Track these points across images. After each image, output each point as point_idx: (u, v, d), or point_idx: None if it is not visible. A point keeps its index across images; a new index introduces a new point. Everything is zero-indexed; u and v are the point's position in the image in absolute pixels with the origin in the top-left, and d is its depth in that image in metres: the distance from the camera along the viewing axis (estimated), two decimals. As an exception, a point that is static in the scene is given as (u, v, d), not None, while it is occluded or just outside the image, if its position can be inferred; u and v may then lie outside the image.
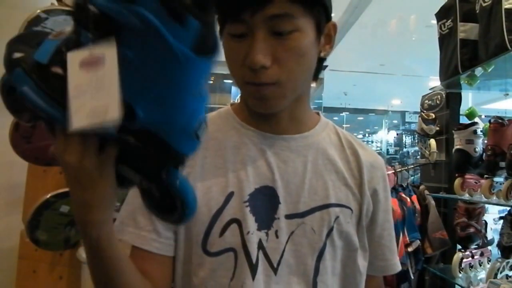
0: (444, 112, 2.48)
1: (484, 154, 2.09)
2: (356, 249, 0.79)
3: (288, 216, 0.75)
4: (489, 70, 1.91)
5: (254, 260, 0.72)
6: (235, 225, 0.73)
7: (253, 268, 0.72)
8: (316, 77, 0.79)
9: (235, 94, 5.48)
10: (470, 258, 2.23)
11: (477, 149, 2.16)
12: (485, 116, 2.64)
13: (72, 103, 0.44)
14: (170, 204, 0.55)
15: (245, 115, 0.81)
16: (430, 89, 2.68)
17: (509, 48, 1.62)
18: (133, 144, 0.49)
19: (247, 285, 0.71)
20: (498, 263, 2.03)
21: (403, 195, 2.41)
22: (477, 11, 1.86)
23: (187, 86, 0.46)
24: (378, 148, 12.35)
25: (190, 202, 0.55)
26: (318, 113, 0.86)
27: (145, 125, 0.47)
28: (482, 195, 2.13)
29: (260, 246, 0.73)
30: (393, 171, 2.56)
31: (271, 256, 0.73)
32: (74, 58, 0.45)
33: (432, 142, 2.49)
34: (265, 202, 0.75)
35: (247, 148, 0.78)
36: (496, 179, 2.09)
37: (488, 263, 2.28)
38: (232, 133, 0.80)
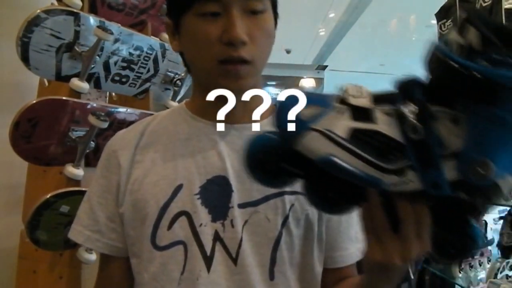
0: (444, 112, 2.47)
1: (484, 154, 2.09)
2: (313, 238, 0.77)
3: (241, 205, 0.74)
4: (489, 70, 1.91)
5: (208, 252, 0.72)
6: (184, 218, 0.73)
7: (208, 260, 0.72)
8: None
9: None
10: (470, 258, 2.22)
11: (477, 149, 2.15)
12: (485, 116, 2.63)
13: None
14: (456, 249, 0.55)
15: (198, 108, 0.80)
16: (430, 89, 2.68)
17: (509, 48, 1.62)
18: (461, 200, 0.49)
19: (203, 277, 0.71)
20: (498, 263, 2.03)
21: (403, 195, 2.41)
22: (477, 11, 1.86)
23: None
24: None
25: (476, 242, 0.55)
26: (275, 105, 0.86)
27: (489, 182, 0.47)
28: (482, 195, 2.13)
29: (217, 237, 0.72)
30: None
31: (230, 247, 0.72)
32: None
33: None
34: (218, 192, 0.74)
35: (198, 139, 0.77)
36: (496, 179, 2.08)
37: (488, 263, 2.28)
38: (183, 126, 0.79)
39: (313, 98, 0.52)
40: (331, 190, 0.54)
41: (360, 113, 0.50)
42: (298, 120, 0.50)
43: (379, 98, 0.50)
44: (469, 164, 0.46)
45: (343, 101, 0.51)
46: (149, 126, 0.82)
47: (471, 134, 0.46)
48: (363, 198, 0.53)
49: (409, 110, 0.47)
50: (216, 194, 0.74)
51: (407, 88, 0.48)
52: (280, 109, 0.52)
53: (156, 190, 0.75)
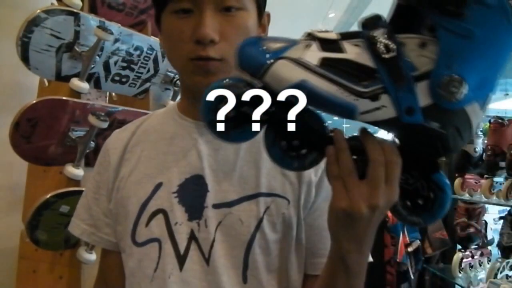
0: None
1: (484, 154, 2.09)
2: (291, 242, 0.73)
3: (216, 206, 0.73)
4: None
5: (182, 251, 0.71)
6: (161, 216, 0.73)
7: (181, 259, 0.71)
8: None
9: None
10: (470, 258, 2.23)
11: (477, 149, 2.16)
12: (485, 116, 2.65)
13: None
14: (425, 200, 0.55)
15: (183, 106, 0.81)
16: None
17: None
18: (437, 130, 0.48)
19: (175, 276, 0.71)
20: (498, 263, 2.03)
21: (403, 195, 2.41)
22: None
23: (502, 68, 0.49)
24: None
25: (446, 192, 0.54)
26: None
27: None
28: (482, 195, 2.14)
29: (193, 236, 0.72)
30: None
31: (203, 247, 0.71)
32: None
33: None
34: (195, 191, 0.74)
35: (181, 138, 0.77)
36: (496, 179, 2.09)
37: (488, 263, 2.28)
38: (170, 124, 0.80)
39: (278, 37, 0.52)
40: (296, 136, 0.53)
41: (328, 44, 0.49)
42: (265, 51, 0.49)
43: (345, 35, 0.50)
44: (441, 81, 0.46)
45: (309, 36, 0.51)
46: (141, 125, 0.83)
47: (441, 51, 0.46)
48: (328, 142, 0.52)
49: (378, 34, 0.47)
50: (192, 193, 0.74)
51: (372, 20, 0.49)
52: (242, 45, 0.51)
53: (138, 187, 0.76)
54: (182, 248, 0.72)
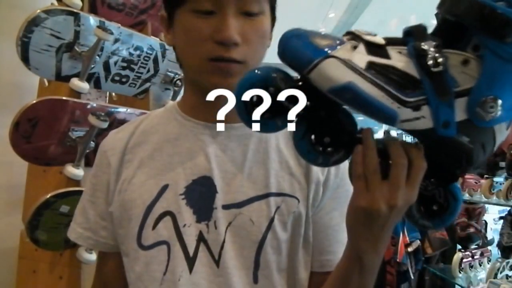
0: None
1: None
2: (299, 240, 0.74)
3: (225, 206, 0.72)
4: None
5: (191, 253, 0.71)
6: (169, 218, 0.73)
7: (190, 261, 0.71)
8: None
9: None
10: (470, 258, 2.23)
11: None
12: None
13: None
14: (439, 207, 0.57)
15: (188, 107, 0.79)
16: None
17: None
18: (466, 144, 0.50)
19: (184, 278, 0.70)
20: (498, 263, 2.03)
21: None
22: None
23: None
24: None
25: (459, 201, 0.57)
26: None
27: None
28: (482, 195, 2.14)
29: (201, 238, 0.72)
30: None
31: (213, 248, 0.71)
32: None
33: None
34: (203, 192, 0.73)
35: (186, 139, 0.77)
36: (496, 179, 2.09)
37: (488, 263, 2.29)
38: (173, 125, 0.79)
39: (325, 33, 0.52)
40: (327, 133, 0.54)
41: (374, 48, 0.50)
42: (314, 46, 0.49)
43: (391, 41, 0.51)
44: (480, 100, 0.48)
45: (352, 35, 0.51)
46: (140, 126, 0.82)
47: (484, 71, 0.47)
48: (357, 143, 0.54)
49: (427, 46, 0.48)
50: (200, 194, 0.73)
51: (419, 31, 0.49)
52: (288, 37, 0.50)
53: (143, 190, 0.75)
54: (191, 250, 0.71)
